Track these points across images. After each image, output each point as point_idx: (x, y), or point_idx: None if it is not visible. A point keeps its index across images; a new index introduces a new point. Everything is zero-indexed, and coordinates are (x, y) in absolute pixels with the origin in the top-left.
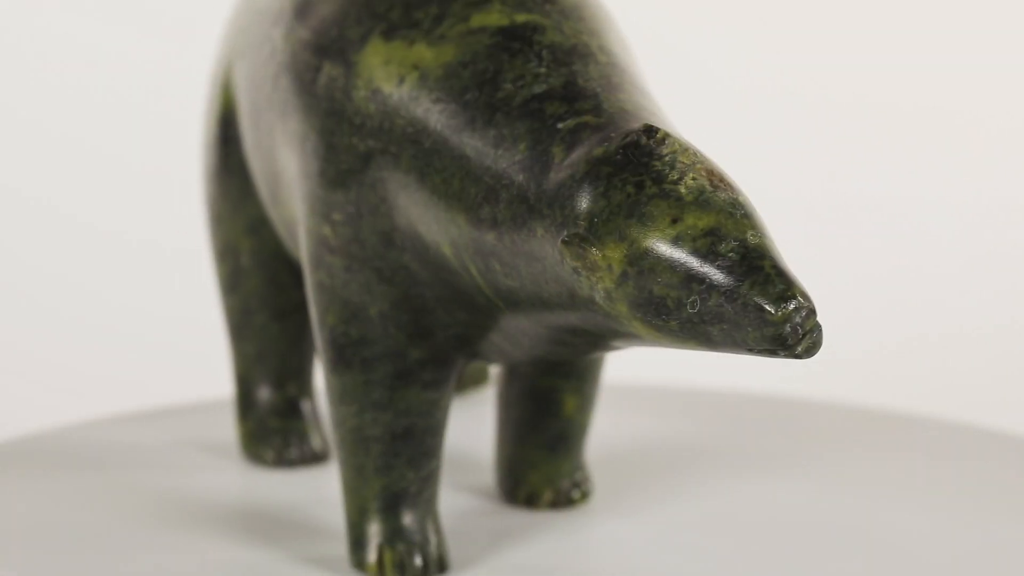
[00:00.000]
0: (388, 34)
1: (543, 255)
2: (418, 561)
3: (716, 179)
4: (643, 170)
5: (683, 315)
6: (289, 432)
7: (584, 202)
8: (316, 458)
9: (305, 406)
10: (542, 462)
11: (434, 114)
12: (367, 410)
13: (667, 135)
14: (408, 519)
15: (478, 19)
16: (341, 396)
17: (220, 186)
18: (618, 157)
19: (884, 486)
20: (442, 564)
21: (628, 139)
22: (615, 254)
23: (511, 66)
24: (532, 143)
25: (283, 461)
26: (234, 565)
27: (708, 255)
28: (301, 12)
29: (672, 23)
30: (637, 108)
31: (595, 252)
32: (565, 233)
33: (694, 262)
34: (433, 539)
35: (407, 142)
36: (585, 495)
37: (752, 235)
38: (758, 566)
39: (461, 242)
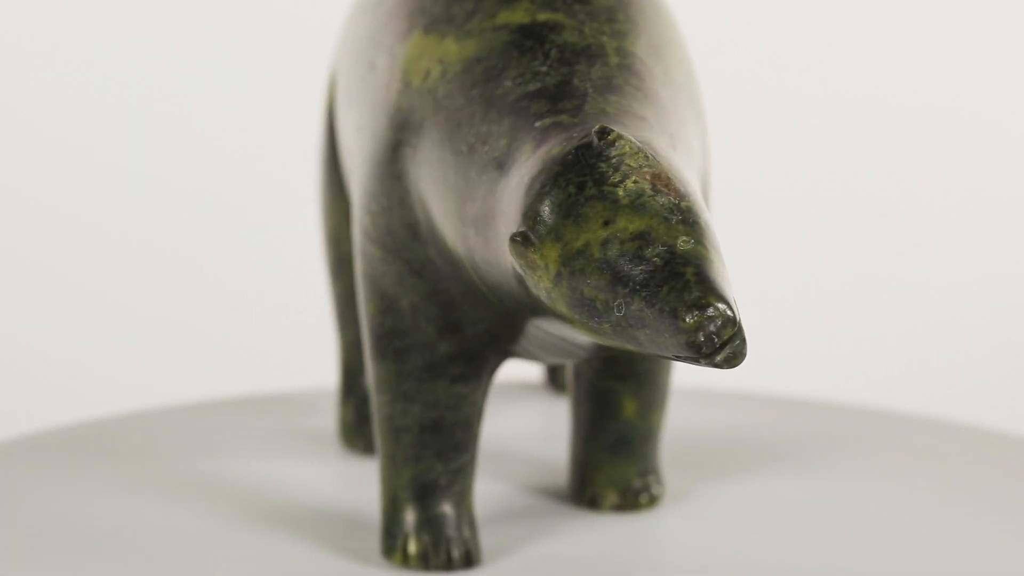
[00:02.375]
0: (428, 28)
1: (505, 252)
2: (443, 553)
3: (661, 183)
4: (587, 171)
5: (612, 318)
6: None
7: (530, 200)
8: None
9: None
10: (605, 464)
11: (443, 108)
12: (398, 400)
13: (619, 138)
14: (436, 511)
15: (504, 16)
16: (377, 385)
17: (325, 176)
18: (569, 157)
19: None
20: (469, 559)
21: (583, 140)
22: (552, 254)
23: (517, 63)
24: (511, 140)
25: (374, 450)
26: (295, 552)
27: (633, 259)
28: (378, 3)
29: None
30: (621, 111)
31: (534, 251)
32: (512, 231)
33: (620, 265)
34: (463, 533)
35: (423, 135)
36: (654, 500)
37: (684, 241)
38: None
39: (457, 237)
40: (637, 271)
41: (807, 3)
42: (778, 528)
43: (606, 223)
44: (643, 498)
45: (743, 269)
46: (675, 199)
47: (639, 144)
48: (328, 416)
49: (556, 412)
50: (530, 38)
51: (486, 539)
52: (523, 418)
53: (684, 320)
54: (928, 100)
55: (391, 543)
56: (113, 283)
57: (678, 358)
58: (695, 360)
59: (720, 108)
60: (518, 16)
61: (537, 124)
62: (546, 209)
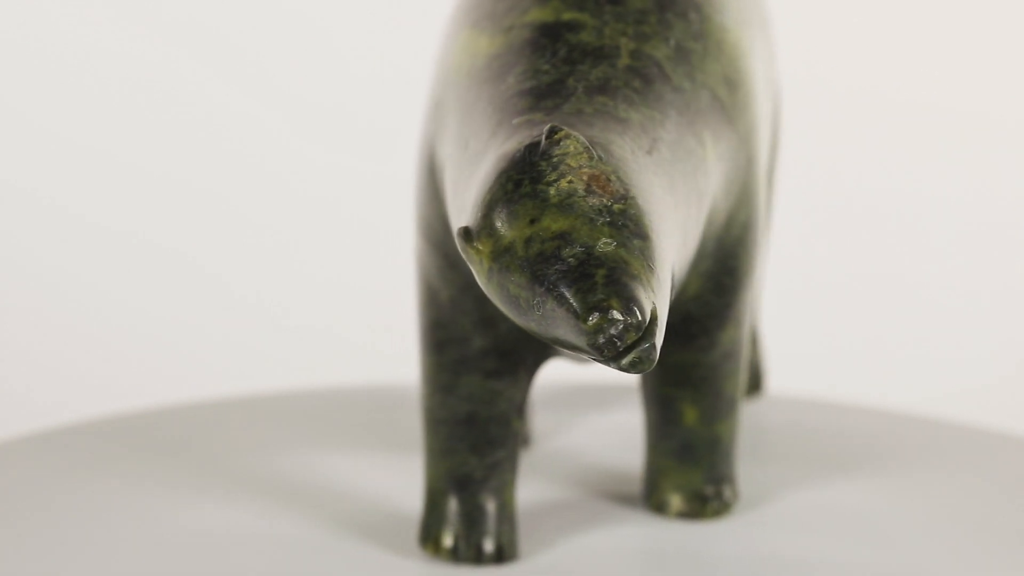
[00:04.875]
0: (473, 25)
1: None
2: (474, 547)
3: (597, 185)
4: (528, 169)
5: (534, 317)
6: None
7: (476, 196)
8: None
9: None
10: (671, 470)
11: (461, 102)
12: (437, 392)
13: (566, 137)
14: (472, 504)
15: (533, 14)
16: (421, 376)
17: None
18: (516, 155)
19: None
20: (500, 554)
21: (533, 139)
22: (485, 249)
23: (527, 61)
24: (491, 136)
25: None
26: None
27: (550, 259)
28: (454, 3)
29: None
30: (601, 112)
31: (472, 247)
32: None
33: (538, 264)
34: (497, 528)
35: (445, 128)
36: (725, 508)
37: (604, 243)
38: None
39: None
40: (552, 271)
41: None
42: (838, 534)
43: (532, 221)
44: (713, 505)
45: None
46: (608, 201)
47: (586, 145)
48: (371, 411)
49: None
50: (546, 36)
51: (535, 538)
52: (617, 420)
53: (585, 321)
54: (946, 97)
55: (426, 533)
56: (114, 282)
57: (593, 359)
58: (603, 362)
59: None
60: (545, 14)
61: (515, 121)
62: (485, 205)
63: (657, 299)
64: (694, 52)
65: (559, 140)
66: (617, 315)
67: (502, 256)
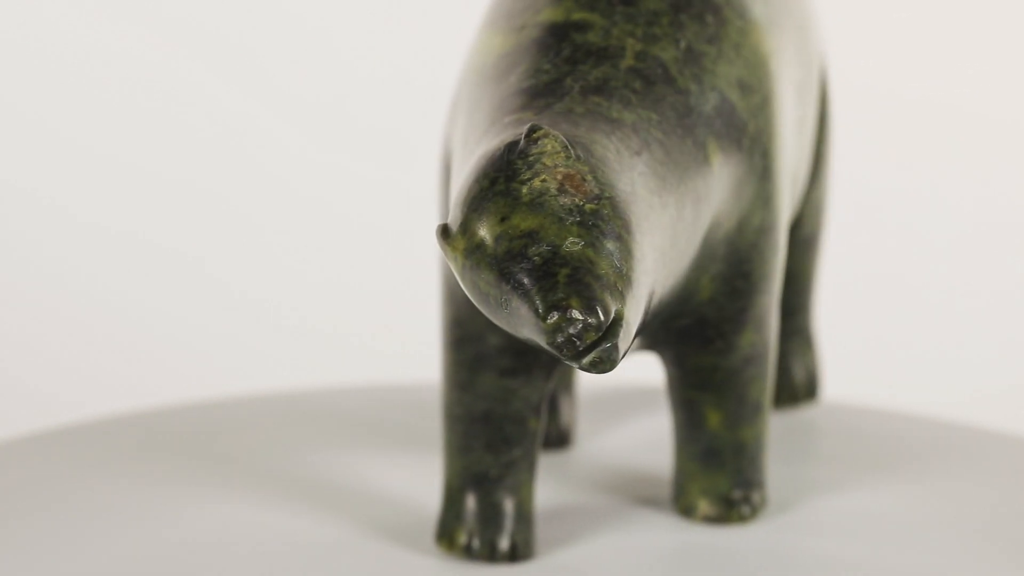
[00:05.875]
0: (492, 23)
1: None
2: (487, 545)
3: (571, 184)
4: (503, 167)
5: (503, 314)
6: None
7: (456, 193)
8: (550, 444)
9: (554, 391)
10: (698, 474)
11: (469, 102)
12: (455, 389)
13: (544, 136)
14: (484, 503)
15: (546, 14)
16: (442, 373)
17: None
18: (496, 153)
19: None
20: (515, 553)
21: (514, 137)
22: (459, 246)
23: (531, 61)
24: (482, 135)
25: None
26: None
27: (517, 256)
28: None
29: None
30: (593, 112)
31: (448, 243)
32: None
33: (505, 262)
34: (511, 527)
35: (455, 128)
36: (753, 513)
37: (571, 243)
38: None
39: None
40: (518, 268)
41: None
42: (867, 538)
43: (502, 219)
44: (741, 511)
45: None
46: (581, 201)
47: (565, 144)
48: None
49: None
50: (553, 36)
51: (554, 537)
52: (663, 423)
53: (544, 320)
54: (960, 98)
55: (441, 530)
56: (114, 282)
57: (556, 357)
58: (566, 360)
59: None
60: (556, 14)
61: (506, 120)
62: (461, 202)
63: (626, 300)
64: (706, 54)
65: (537, 139)
66: (576, 314)
67: (473, 253)
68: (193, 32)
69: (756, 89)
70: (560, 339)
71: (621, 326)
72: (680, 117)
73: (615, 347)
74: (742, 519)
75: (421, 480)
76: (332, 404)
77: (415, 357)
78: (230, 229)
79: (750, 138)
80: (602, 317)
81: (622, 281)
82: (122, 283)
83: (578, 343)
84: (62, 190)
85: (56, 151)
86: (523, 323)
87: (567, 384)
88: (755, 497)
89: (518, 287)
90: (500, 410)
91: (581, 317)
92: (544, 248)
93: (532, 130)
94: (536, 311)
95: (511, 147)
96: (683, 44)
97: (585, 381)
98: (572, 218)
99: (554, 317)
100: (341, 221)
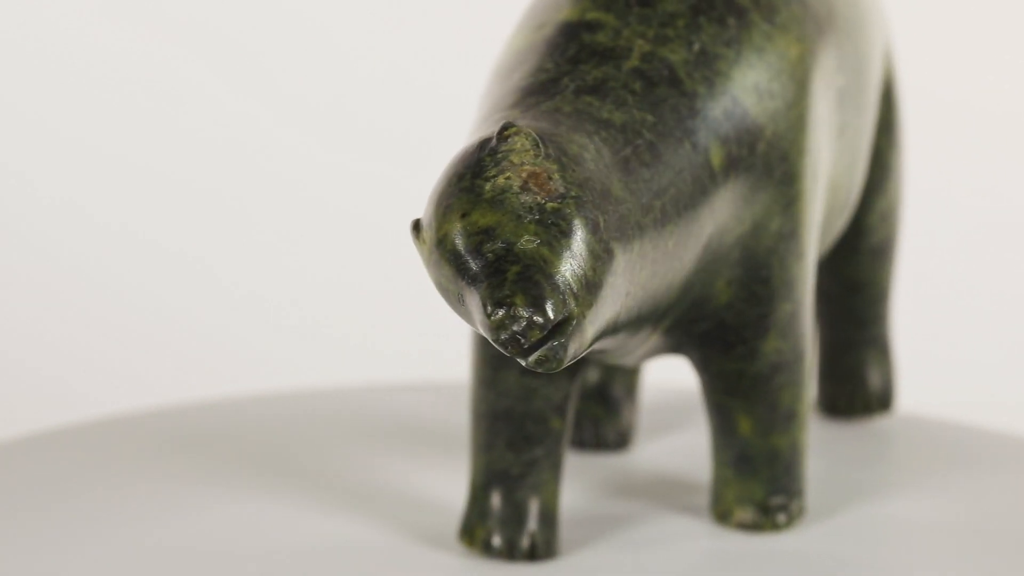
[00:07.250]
0: (521, 22)
1: None
2: (507, 543)
3: (535, 182)
4: (472, 164)
5: (461, 309)
6: (583, 415)
7: (431, 189)
8: (607, 446)
9: (616, 391)
10: (732, 480)
11: (480, 100)
12: (479, 386)
13: (515, 134)
14: (505, 501)
15: (564, 13)
16: (470, 371)
17: None
18: (469, 150)
19: None
20: (534, 552)
21: (487, 134)
22: (427, 241)
23: (537, 59)
24: (476, 131)
25: (573, 442)
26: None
27: (471, 253)
28: None
29: None
30: (582, 112)
31: (419, 238)
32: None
33: (461, 258)
34: (534, 526)
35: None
36: (789, 521)
37: (526, 240)
38: None
39: None
40: (472, 265)
41: None
42: (899, 547)
43: (463, 215)
44: (776, 519)
45: None
46: (543, 199)
47: (536, 141)
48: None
49: None
50: (563, 35)
51: (578, 538)
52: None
53: (489, 317)
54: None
55: (464, 526)
56: (113, 282)
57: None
58: (513, 357)
59: None
60: (572, 13)
61: (496, 117)
62: (431, 198)
63: (583, 300)
64: (722, 58)
65: (508, 136)
66: (521, 312)
67: (436, 249)
68: (196, 33)
69: (777, 94)
70: (504, 336)
71: (571, 325)
72: (681, 120)
73: (563, 346)
74: (777, 527)
75: (445, 479)
76: (332, 404)
77: (415, 357)
78: (230, 228)
79: (767, 142)
80: (551, 315)
81: (578, 281)
82: (122, 283)
83: (522, 340)
84: (62, 190)
85: (56, 151)
86: (475, 319)
87: (629, 386)
88: (792, 506)
89: (470, 283)
90: (521, 408)
91: (526, 315)
92: (498, 245)
93: (505, 127)
94: (483, 307)
95: (483, 144)
96: (696, 47)
97: (649, 384)
98: (531, 216)
99: (499, 314)
100: (342, 221)
